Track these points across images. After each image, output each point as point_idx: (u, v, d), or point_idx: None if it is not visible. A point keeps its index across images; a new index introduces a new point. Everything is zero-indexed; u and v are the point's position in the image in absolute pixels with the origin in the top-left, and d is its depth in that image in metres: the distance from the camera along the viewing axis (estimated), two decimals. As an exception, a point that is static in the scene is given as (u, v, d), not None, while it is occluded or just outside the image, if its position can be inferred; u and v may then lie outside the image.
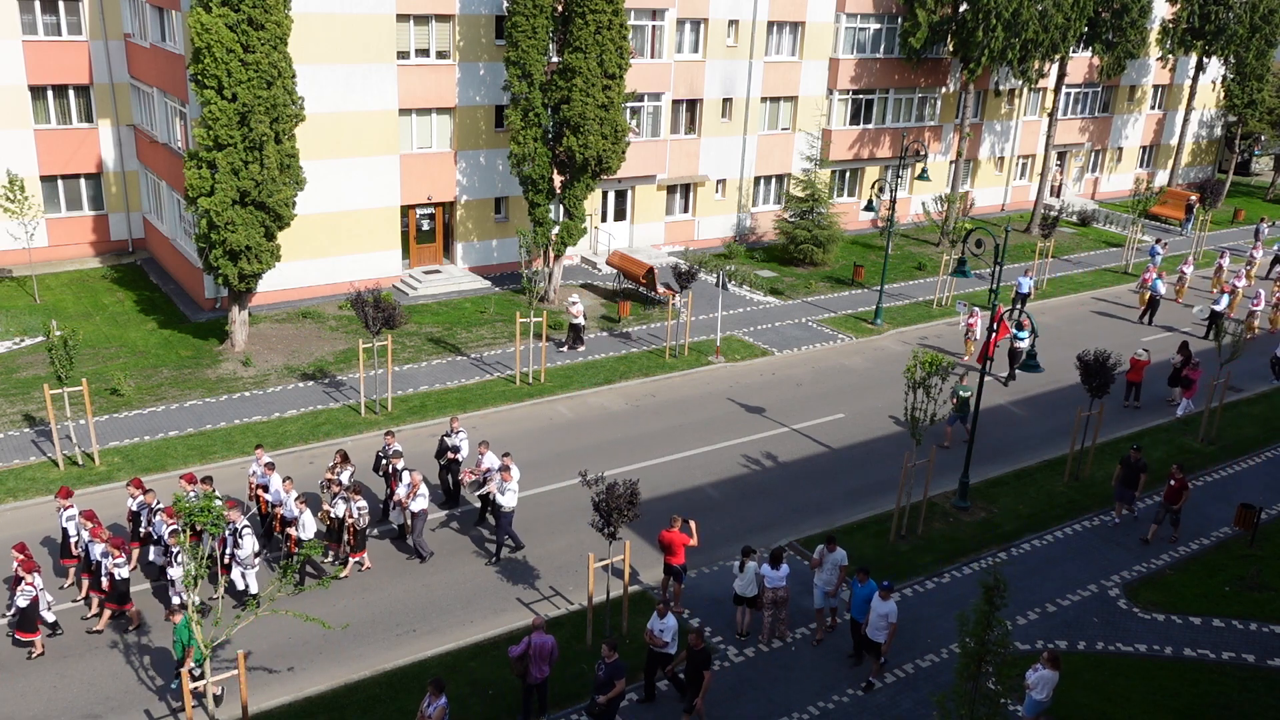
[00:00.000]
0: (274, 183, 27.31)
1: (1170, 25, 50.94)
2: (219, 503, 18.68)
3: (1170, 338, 35.43)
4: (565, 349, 30.85)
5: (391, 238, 35.23)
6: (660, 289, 35.08)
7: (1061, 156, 54.04)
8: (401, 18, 33.31)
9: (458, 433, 22.19)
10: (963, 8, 42.34)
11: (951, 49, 44.35)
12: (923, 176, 35.73)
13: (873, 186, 35.89)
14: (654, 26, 37.87)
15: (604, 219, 40.42)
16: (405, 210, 35.70)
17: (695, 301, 34.78)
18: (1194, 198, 50.85)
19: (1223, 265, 39.50)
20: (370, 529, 20.88)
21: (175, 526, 18.30)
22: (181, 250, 33.96)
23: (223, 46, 25.88)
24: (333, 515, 19.87)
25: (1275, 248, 43.20)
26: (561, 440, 25.88)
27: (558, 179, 34.32)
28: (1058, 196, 54.15)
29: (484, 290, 35.97)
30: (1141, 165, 58.67)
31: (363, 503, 19.75)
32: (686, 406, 28.29)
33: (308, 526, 19.26)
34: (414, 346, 30.77)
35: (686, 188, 42.26)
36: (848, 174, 46.66)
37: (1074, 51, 45.96)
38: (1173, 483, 21.95)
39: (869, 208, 34.31)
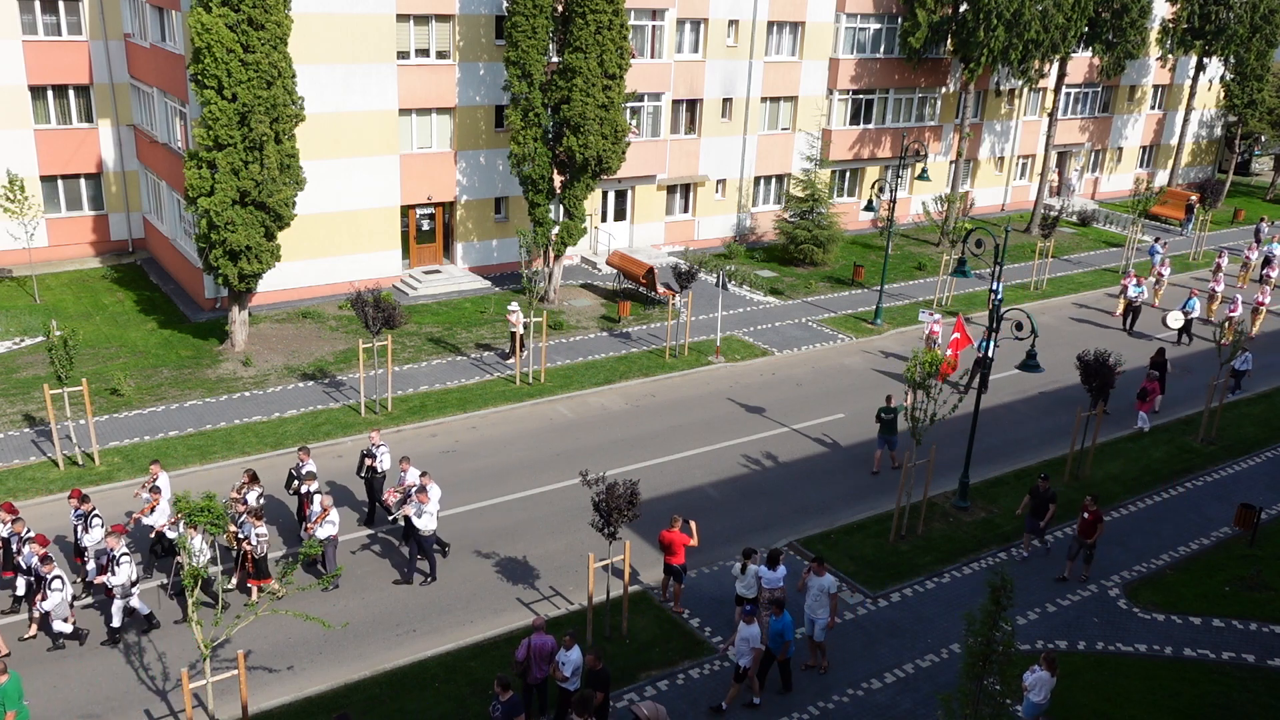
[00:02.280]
0: (274, 183, 27.31)
1: (1170, 25, 50.95)
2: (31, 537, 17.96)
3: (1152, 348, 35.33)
4: (508, 358, 29.86)
5: (391, 238, 35.23)
6: (660, 289, 35.07)
7: (1062, 156, 54.04)
8: (401, 18, 33.31)
9: (378, 446, 21.20)
10: (963, 8, 42.34)
11: (951, 49, 44.35)
12: (923, 176, 35.73)
13: (873, 186, 35.89)
14: (654, 26, 37.87)
15: (604, 219, 40.42)
16: (405, 210, 35.70)
17: (695, 301, 34.77)
18: (1194, 198, 50.84)
19: (1221, 265, 39.41)
20: (292, 553, 19.93)
21: (44, 552, 17.42)
22: (181, 250, 33.96)
23: (223, 46, 25.87)
24: (239, 537, 18.63)
25: (1265, 248, 43.04)
26: (561, 440, 25.87)
27: (558, 179, 34.31)
28: (1065, 195, 54.05)
29: (484, 290, 35.97)
30: (1141, 165, 58.67)
31: (263, 529, 18.59)
32: (686, 406, 28.28)
33: (200, 554, 17.69)
34: (414, 346, 30.77)
35: (686, 188, 42.26)
36: (848, 174, 46.66)
37: (1074, 51, 45.97)
38: (1086, 515, 20.30)
39: (869, 208, 34.31)
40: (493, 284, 36.58)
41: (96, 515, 18.62)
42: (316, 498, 19.50)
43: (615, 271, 37.36)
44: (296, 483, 20.35)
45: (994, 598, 12.93)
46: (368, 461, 21.22)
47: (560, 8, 32.06)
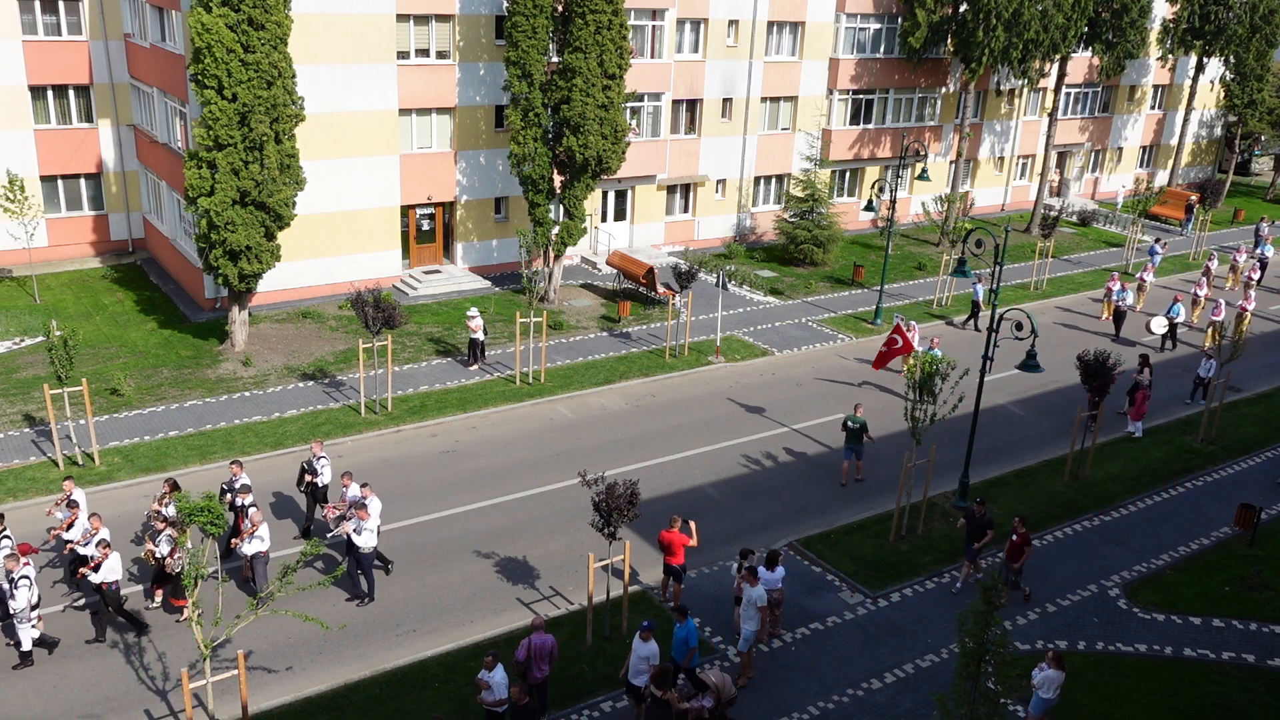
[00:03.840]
0: (274, 183, 27.31)
1: (1170, 25, 50.96)
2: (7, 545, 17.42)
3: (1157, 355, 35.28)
4: (469, 365, 29.44)
5: (391, 238, 35.23)
6: (660, 289, 35.07)
7: (1062, 156, 54.05)
8: (401, 18, 33.31)
9: (320, 458, 20.61)
10: (963, 8, 42.35)
11: (951, 49, 44.36)
12: (923, 176, 35.74)
13: (873, 186, 35.89)
14: (654, 26, 37.87)
15: (604, 219, 40.42)
16: (405, 210, 35.70)
17: (695, 301, 34.78)
18: (1194, 198, 50.85)
19: (1210, 268, 39.36)
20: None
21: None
22: (181, 250, 33.96)
23: (223, 46, 25.87)
24: (156, 556, 17.80)
25: (1260, 249, 42.91)
26: (561, 440, 25.88)
27: (558, 179, 34.31)
28: (1060, 196, 54.11)
29: (484, 290, 35.97)
30: (1141, 165, 58.67)
31: (188, 545, 17.61)
32: (686, 406, 28.28)
33: (109, 573, 17.29)
34: (414, 346, 30.78)
35: (686, 188, 42.26)
36: (848, 174, 46.66)
37: (1074, 51, 46.00)
38: (1014, 537, 19.65)
39: (869, 208, 34.31)
40: (493, 284, 36.58)
41: (7, 536, 17.83)
42: (251, 510, 18.78)
43: (615, 271, 37.37)
44: (231, 496, 19.41)
45: (985, 598, 12.94)
46: (307, 477, 20.57)
47: (560, 8, 32.07)
